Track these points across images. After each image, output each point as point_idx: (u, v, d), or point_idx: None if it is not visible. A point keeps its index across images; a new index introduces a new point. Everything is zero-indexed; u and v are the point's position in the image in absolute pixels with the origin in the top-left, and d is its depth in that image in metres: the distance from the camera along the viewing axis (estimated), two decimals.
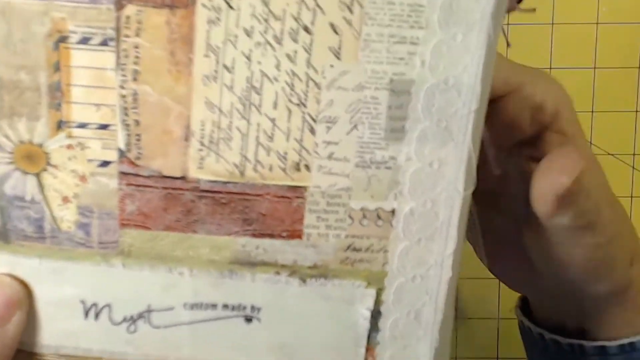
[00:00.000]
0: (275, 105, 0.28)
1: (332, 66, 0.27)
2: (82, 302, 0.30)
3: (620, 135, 0.56)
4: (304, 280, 0.30)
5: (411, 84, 0.28)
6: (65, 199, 0.29)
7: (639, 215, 0.58)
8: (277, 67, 0.27)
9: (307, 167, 0.29)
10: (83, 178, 0.28)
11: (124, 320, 0.31)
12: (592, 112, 0.56)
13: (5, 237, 0.29)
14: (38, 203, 0.29)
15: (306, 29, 0.27)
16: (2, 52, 0.27)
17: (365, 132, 0.28)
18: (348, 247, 0.30)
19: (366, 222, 0.30)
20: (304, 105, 0.28)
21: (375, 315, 0.31)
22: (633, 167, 0.56)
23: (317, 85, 0.28)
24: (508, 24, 0.54)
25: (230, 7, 0.27)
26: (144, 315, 0.31)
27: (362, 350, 0.31)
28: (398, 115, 0.28)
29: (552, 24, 0.55)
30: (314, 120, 0.28)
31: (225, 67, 0.27)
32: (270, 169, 0.29)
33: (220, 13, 0.27)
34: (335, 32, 0.27)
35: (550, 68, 0.55)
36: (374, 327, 0.31)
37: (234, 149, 0.28)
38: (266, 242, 0.30)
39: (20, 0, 0.26)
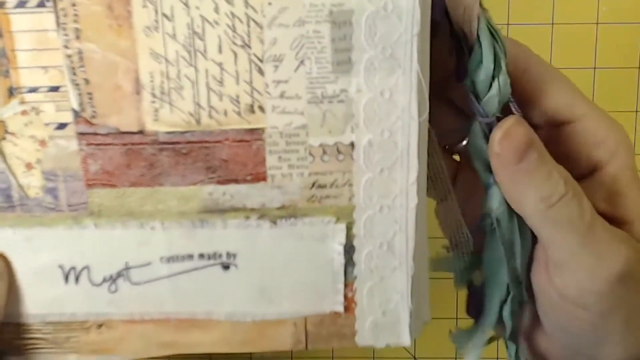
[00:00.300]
0: (220, 49, 0.27)
1: (270, 4, 0.27)
2: (60, 267, 0.30)
3: None
4: (274, 222, 0.30)
5: (351, 14, 0.27)
6: (29, 166, 0.29)
7: None
8: (216, 10, 0.27)
9: (261, 108, 0.28)
10: (43, 143, 0.28)
11: (104, 280, 0.31)
12: None
13: None
14: (2, 172, 0.29)
15: None
16: None
17: (312, 67, 0.28)
18: (313, 185, 0.30)
19: (327, 158, 0.29)
20: (249, 47, 0.27)
21: (349, 249, 0.31)
22: None
23: (258, 24, 0.27)
24: (508, 24, 0.52)
25: None
26: (123, 273, 0.31)
27: (341, 286, 0.31)
28: (343, 46, 0.28)
29: (552, 24, 0.53)
30: (261, 61, 0.28)
31: (165, 15, 0.27)
32: (225, 113, 0.28)
33: None
34: None
35: None
36: (349, 262, 0.31)
37: (186, 98, 0.28)
38: (232, 187, 0.29)
39: None
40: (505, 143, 0.30)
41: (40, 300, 0.31)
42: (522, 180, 0.30)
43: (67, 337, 0.32)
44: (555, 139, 0.32)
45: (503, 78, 0.29)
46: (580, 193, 0.31)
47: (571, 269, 0.31)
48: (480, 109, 0.30)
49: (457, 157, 0.36)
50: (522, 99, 0.32)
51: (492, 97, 0.29)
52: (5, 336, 0.31)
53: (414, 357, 0.53)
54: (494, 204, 0.31)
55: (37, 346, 0.32)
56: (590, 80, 0.54)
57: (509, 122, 0.30)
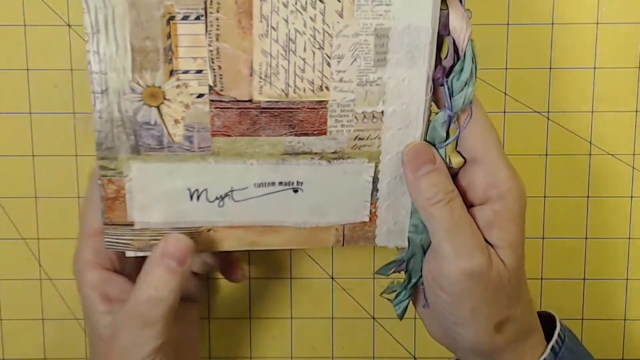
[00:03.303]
0: (304, 50, 0.40)
1: (338, 22, 0.40)
2: (188, 189, 0.43)
3: (620, 135, 0.52)
4: (329, 162, 0.43)
5: (388, 30, 0.40)
6: (176, 121, 0.41)
7: (639, 215, 0.53)
8: (304, 25, 0.40)
9: (327, 88, 0.41)
10: (187, 106, 0.41)
11: (216, 198, 0.43)
12: (592, 112, 0.52)
13: (137, 150, 0.41)
14: (159, 125, 0.41)
15: (321, 0, 0.39)
16: (134, 29, 0.39)
17: (361, 63, 0.41)
18: (356, 138, 0.42)
19: (366, 121, 0.42)
20: (322, 48, 0.40)
21: (375, 180, 0.43)
22: (633, 167, 0.52)
23: (329, 35, 0.40)
24: (508, 24, 0.51)
25: None
26: (229, 194, 0.43)
27: (368, 204, 0.44)
28: (381, 50, 0.41)
29: (552, 24, 0.51)
30: (329, 58, 0.40)
31: (273, 27, 0.40)
32: (304, 90, 0.41)
33: None
34: (338, 1, 0.39)
35: (550, 68, 0.51)
36: (374, 188, 0.44)
37: (280, 80, 0.41)
38: (304, 139, 0.42)
39: None
40: (409, 155, 0.41)
41: (173, 212, 0.43)
42: (415, 183, 0.40)
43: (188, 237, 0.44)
44: (469, 169, 0.41)
45: (472, 88, 0.39)
46: (455, 204, 0.40)
47: (438, 255, 0.40)
48: (450, 103, 0.40)
49: None
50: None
51: (460, 97, 0.39)
52: (144, 238, 0.43)
53: (414, 357, 0.56)
54: None
55: None
56: (590, 80, 0.52)
57: (417, 142, 0.41)
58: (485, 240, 0.40)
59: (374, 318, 0.55)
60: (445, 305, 0.41)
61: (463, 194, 0.42)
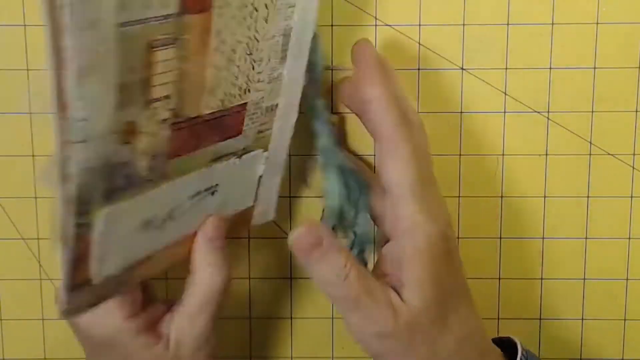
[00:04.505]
0: (239, 58, 0.41)
1: (264, 27, 0.41)
2: (142, 221, 0.40)
3: (620, 135, 0.51)
4: (239, 157, 0.45)
5: (291, 30, 0.44)
6: (144, 153, 0.38)
7: (639, 215, 0.52)
8: (243, 35, 0.41)
9: (249, 90, 0.43)
10: (154, 134, 0.38)
11: (161, 222, 0.41)
12: (592, 112, 0.51)
13: (108, 197, 0.37)
14: (131, 162, 0.37)
15: (255, 9, 0.41)
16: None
17: (272, 61, 0.43)
18: (259, 132, 0.46)
19: (268, 114, 0.45)
20: (251, 54, 0.42)
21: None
22: (633, 167, 0.51)
23: (257, 40, 0.41)
24: (508, 23, 0.50)
25: None
26: (169, 213, 0.42)
27: (255, 188, 0.48)
28: (284, 48, 0.43)
29: (552, 24, 0.50)
30: (254, 62, 0.42)
31: (222, 41, 0.40)
32: (235, 97, 0.42)
33: None
34: (266, 7, 0.41)
35: (550, 68, 0.51)
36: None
37: (221, 91, 0.41)
38: (227, 142, 0.43)
39: None
40: (296, 245, 0.40)
41: (125, 255, 0.40)
42: (308, 269, 0.41)
43: None
44: (382, 201, 0.41)
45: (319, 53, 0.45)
46: (350, 279, 0.39)
47: (349, 324, 0.41)
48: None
49: None
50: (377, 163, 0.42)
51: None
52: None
53: None
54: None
55: None
56: (590, 80, 0.51)
57: (300, 229, 0.40)
58: (396, 278, 0.41)
59: None
60: (374, 356, 0.42)
61: (382, 225, 0.43)
